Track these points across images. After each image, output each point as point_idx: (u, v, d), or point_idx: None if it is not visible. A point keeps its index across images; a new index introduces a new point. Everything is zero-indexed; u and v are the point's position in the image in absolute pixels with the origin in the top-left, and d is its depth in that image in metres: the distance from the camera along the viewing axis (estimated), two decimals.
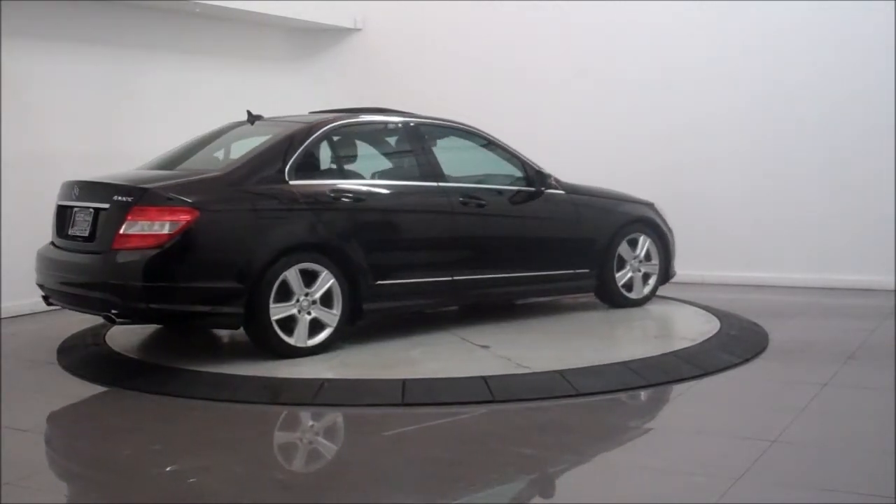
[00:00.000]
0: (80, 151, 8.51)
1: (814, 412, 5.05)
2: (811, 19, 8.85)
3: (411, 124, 7.09)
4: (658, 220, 7.88)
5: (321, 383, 5.54)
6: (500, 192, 7.23)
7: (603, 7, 9.67)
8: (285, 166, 6.22)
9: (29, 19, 8.22)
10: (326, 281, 6.15)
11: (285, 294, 6.00)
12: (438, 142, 7.31)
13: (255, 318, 5.93)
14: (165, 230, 5.71)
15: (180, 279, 5.81)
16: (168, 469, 4.51)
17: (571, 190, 7.45)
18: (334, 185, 6.45)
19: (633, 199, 7.93)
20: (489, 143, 7.34)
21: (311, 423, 5.28)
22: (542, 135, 9.62)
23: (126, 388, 5.75)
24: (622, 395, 5.50)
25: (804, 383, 5.62)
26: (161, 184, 5.99)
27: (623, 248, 7.61)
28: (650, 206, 7.94)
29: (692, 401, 5.69)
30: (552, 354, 6.11)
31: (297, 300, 6.05)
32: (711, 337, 6.56)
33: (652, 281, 7.81)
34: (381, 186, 6.79)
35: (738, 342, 6.57)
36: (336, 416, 5.26)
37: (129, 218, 5.76)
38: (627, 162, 9.38)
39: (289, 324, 6.04)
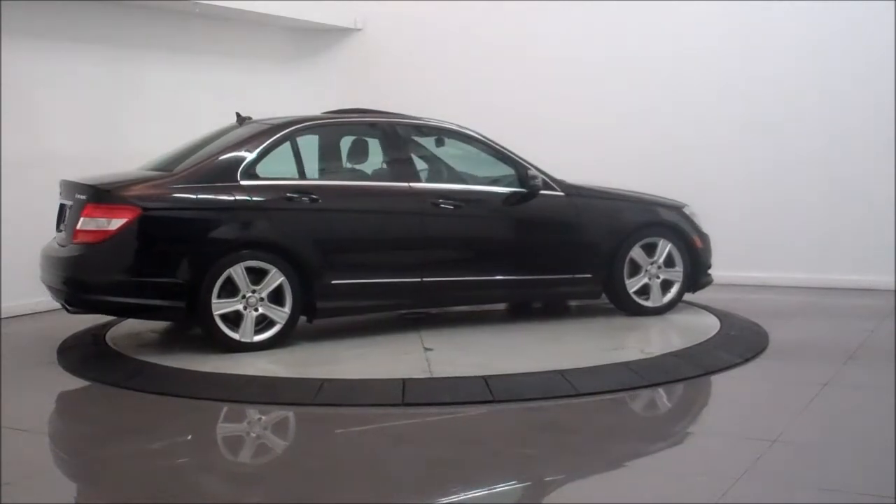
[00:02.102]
0: (80, 151, 8.50)
1: (814, 412, 5.05)
2: (812, 19, 8.84)
3: (388, 126, 7.00)
4: (683, 225, 7.40)
5: (321, 383, 5.55)
6: (482, 193, 7.13)
7: (604, 7, 9.67)
8: (239, 166, 6.37)
9: (29, 19, 8.22)
10: (275, 279, 6.26)
11: (232, 290, 6.18)
12: (422, 143, 7.28)
13: (199, 313, 6.14)
14: (111, 227, 6.05)
15: (122, 273, 6.13)
16: (169, 468, 4.52)
17: (573, 191, 7.17)
18: (287, 184, 6.51)
19: (655, 201, 7.51)
20: (481, 145, 7.20)
21: (310, 423, 5.27)
22: (544, 134, 9.61)
23: (127, 388, 5.74)
24: (622, 395, 5.49)
25: (804, 383, 5.62)
26: (111, 183, 6.32)
27: (637, 253, 7.20)
28: (677, 209, 7.51)
29: (692, 401, 5.69)
30: (480, 361, 5.96)
31: (244, 297, 6.19)
32: (668, 353, 6.15)
33: (675, 288, 7.35)
34: (339, 186, 6.80)
35: (738, 342, 6.57)
36: (336, 416, 5.26)
37: (84, 215, 6.14)
38: (627, 162, 9.36)
39: (237, 319, 6.21)
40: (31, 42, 8.28)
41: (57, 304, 6.74)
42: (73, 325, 7.34)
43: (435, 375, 5.65)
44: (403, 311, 7.42)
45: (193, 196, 6.25)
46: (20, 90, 8.18)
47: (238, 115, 7.15)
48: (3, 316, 7.89)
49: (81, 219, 6.15)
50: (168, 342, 6.79)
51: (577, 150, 9.47)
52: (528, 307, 7.89)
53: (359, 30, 10.87)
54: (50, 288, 6.55)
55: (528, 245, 7.14)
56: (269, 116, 7.11)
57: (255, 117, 7.18)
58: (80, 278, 6.21)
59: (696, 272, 7.42)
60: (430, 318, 7.35)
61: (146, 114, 9.14)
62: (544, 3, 9.89)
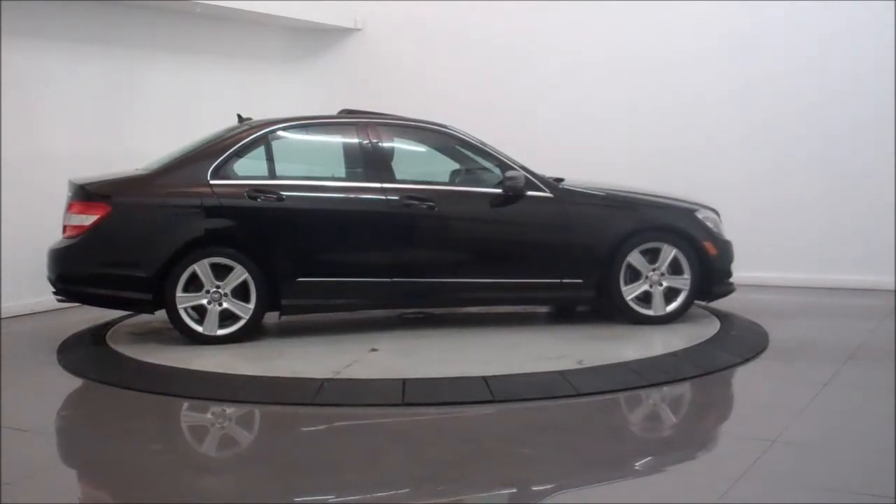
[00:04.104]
0: (80, 151, 8.51)
1: (814, 412, 5.05)
2: (812, 19, 8.84)
3: (365, 126, 6.96)
4: (692, 229, 7.02)
5: (321, 383, 5.55)
6: (457, 193, 7.01)
7: (604, 7, 9.67)
8: (209, 166, 6.59)
9: (29, 19, 8.22)
10: (239, 275, 6.49)
11: (199, 285, 6.47)
12: (404, 143, 7.24)
13: (165, 306, 6.47)
14: (86, 222, 6.46)
15: (95, 265, 6.52)
16: (169, 468, 4.52)
17: (562, 192, 6.94)
18: (252, 184, 6.63)
19: (662, 203, 7.19)
20: (466, 145, 7.06)
21: (310, 423, 5.26)
22: (544, 133, 9.64)
23: (126, 388, 5.75)
24: (622, 395, 5.49)
25: (804, 383, 5.61)
26: (92, 182, 6.65)
27: (635, 258, 6.86)
28: (688, 212, 7.12)
29: (692, 401, 5.69)
30: (406, 364, 5.98)
31: (207, 291, 6.44)
32: (603, 365, 5.87)
33: (681, 297, 6.95)
34: (304, 186, 6.80)
35: (738, 342, 6.57)
36: (335, 416, 5.26)
37: (69, 211, 6.61)
38: (627, 161, 9.36)
39: (203, 312, 6.51)
40: (31, 42, 8.28)
41: (57, 304, 6.96)
42: (73, 324, 7.37)
43: (341, 377, 5.70)
44: (405, 312, 7.46)
45: (161, 194, 6.56)
46: (20, 90, 8.18)
47: (239, 116, 7.20)
48: (3, 316, 7.89)
49: (68, 214, 6.61)
50: (168, 342, 6.78)
51: (577, 150, 9.47)
52: (570, 309, 7.55)
53: (359, 30, 10.87)
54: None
55: (507, 247, 6.96)
56: (268, 117, 7.14)
57: (255, 118, 7.20)
58: (62, 269, 6.58)
59: (710, 280, 7.04)
60: (429, 319, 7.36)
61: (146, 114, 9.15)
62: (544, 3, 9.89)
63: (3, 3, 7.94)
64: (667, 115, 9.43)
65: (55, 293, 6.69)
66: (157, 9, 9.15)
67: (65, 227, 6.62)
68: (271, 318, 6.98)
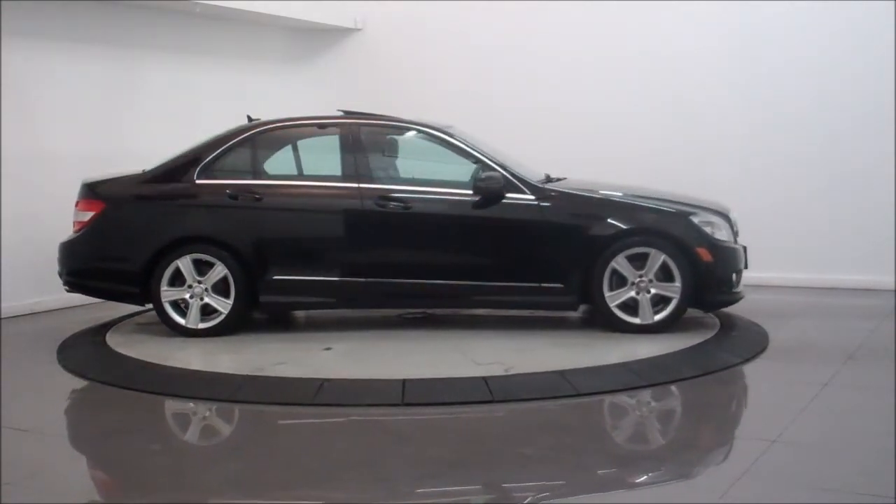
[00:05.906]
0: (79, 151, 8.50)
1: (814, 412, 5.05)
2: (812, 19, 8.84)
3: (350, 126, 7.01)
4: (684, 234, 6.65)
5: (321, 383, 5.55)
6: (433, 194, 6.88)
7: (604, 7, 9.67)
8: (197, 167, 6.88)
9: (29, 19, 8.22)
10: (220, 272, 6.74)
11: (182, 280, 6.77)
12: (387, 144, 7.25)
13: (152, 299, 6.81)
14: (85, 219, 6.91)
15: (90, 259, 7.00)
16: (168, 468, 4.52)
17: (544, 194, 6.74)
18: (232, 184, 6.86)
19: (651, 206, 6.86)
20: (452, 146, 6.93)
21: (310, 422, 5.27)
22: (544, 133, 9.63)
23: (126, 388, 5.75)
24: (622, 396, 5.49)
25: (804, 383, 5.61)
26: (93, 180, 7.06)
27: (621, 264, 6.57)
28: (681, 216, 6.77)
29: (692, 401, 5.69)
30: (346, 366, 6.03)
31: (190, 286, 6.73)
32: (515, 374, 5.71)
33: (672, 305, 6.59)
34: (282, 185, 6.97)
35: (738, 342, 6.57)
36: (336, 416, 5.26)
37: (76, 208, 7.02)
38: (624, 162, 9.34)
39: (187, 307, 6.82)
40: (31, 42, 8.28)
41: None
42: (73, 325, 7.37)
43: (265, 374, 5.80)
44: (405, 311, 7.46)
45: (150, 192, 6.93)
46: (20, 90, 8.18)
47: (249, 117, 7.27)
48: (3, 316, 7.89)
49: (76, 211, 7.00)
50: (167, 342, 6.78)
51: (578, 150, 9.47)
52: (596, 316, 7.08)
53: (359, 30, 10.87)
54: None
55: (482, 249, 6.84)
56: (271, 117, 7.21)
57: (261, 118, 7.27)
58: (65, 261, 7.03)
59: (706, 289, 6.67)
60: (429, 320, 7.35)
61: (146, 114, 9.15)
62: (544, 3, 9.89)
63: (3, 3, 7.94)
64: (666, 115, 9.43)
65: (63, 284, 7.07)
66: (157, 9, 9.15)
67: (74, 223, 7.01)
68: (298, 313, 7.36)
